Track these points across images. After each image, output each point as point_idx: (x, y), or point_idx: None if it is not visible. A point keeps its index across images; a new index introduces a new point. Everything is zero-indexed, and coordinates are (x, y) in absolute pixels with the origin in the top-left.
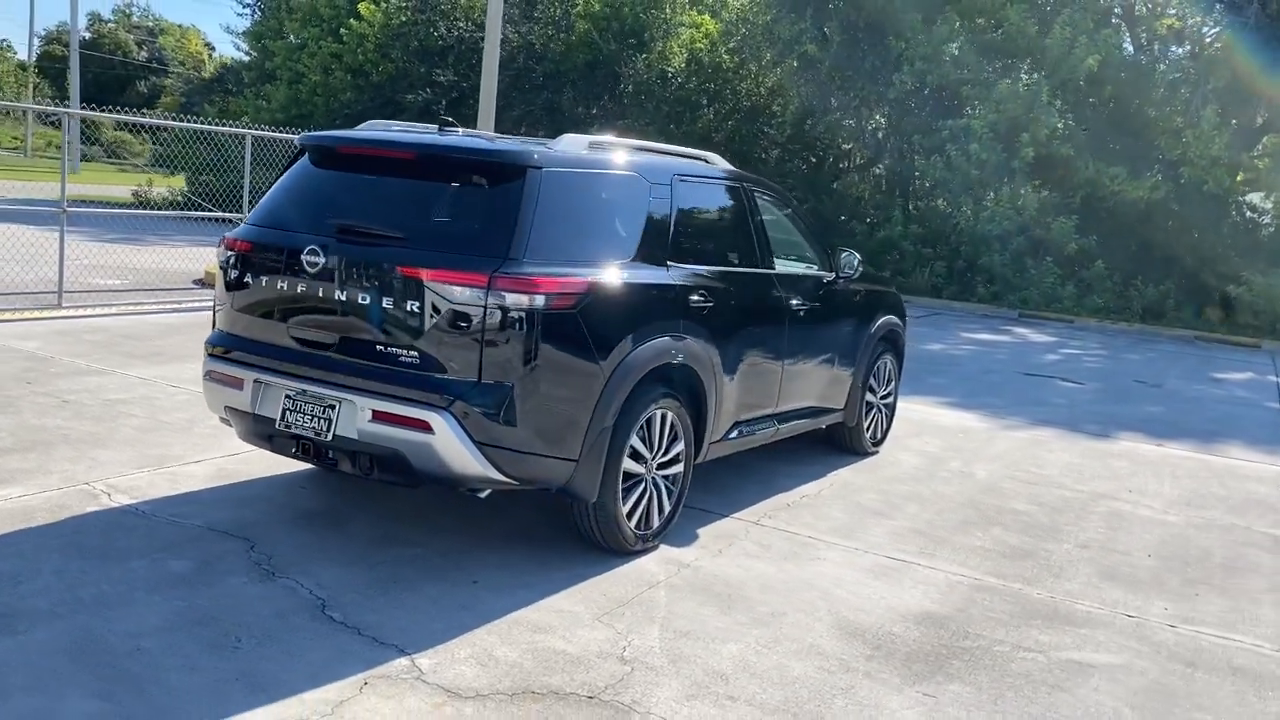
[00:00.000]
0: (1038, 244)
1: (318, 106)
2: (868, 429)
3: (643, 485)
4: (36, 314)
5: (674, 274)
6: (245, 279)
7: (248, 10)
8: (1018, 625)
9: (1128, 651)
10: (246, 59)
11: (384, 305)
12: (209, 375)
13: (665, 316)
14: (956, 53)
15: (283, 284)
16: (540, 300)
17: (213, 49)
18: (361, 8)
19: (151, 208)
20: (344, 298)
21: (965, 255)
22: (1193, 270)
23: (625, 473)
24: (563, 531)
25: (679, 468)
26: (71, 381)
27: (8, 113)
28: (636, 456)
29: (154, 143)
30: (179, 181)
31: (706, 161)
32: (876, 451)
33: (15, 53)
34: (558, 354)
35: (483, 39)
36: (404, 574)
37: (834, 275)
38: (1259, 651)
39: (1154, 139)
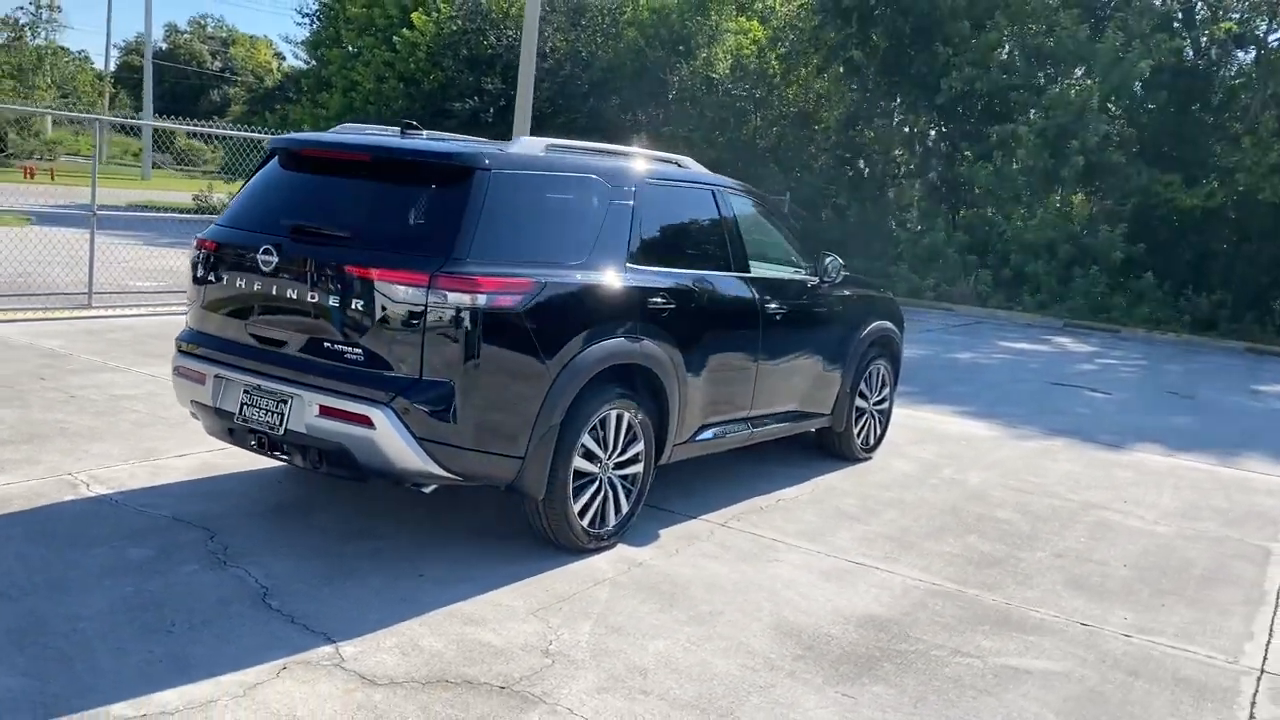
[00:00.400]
0: (1086, 252)
1: (370, 114)
2: (859, 435)
3: (596, 484)
4: (67, 313)
5: (632, 276)
6: (210, 277)
7: (307, 20)
8: (963, 630)
9: (1071, 659)
10: (306, 68)
11: (332, 303)
12: (176, 370)
13: (620, 318)
14: (1005, 58)
15: (241, 282)
16: (482, 300)
17: (282, 59)
18: (414, 18)
19: (211, 213)
20: (295, 296)
21: (1012, 264)
22: (1249, 280)
23: (577, 471)
24: (523, 529)
25: (638, 468)
26: (83, 378)
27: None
28: (590, 456)
29: (223, 150)
30: (238, 187)
31: (680, 165)
32: (869, 457)
33: (93, 63)
34: (500, 353)
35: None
36: (356, 566)
37: (818, 280)
38: (1210, 662)
39: (1210, 146)
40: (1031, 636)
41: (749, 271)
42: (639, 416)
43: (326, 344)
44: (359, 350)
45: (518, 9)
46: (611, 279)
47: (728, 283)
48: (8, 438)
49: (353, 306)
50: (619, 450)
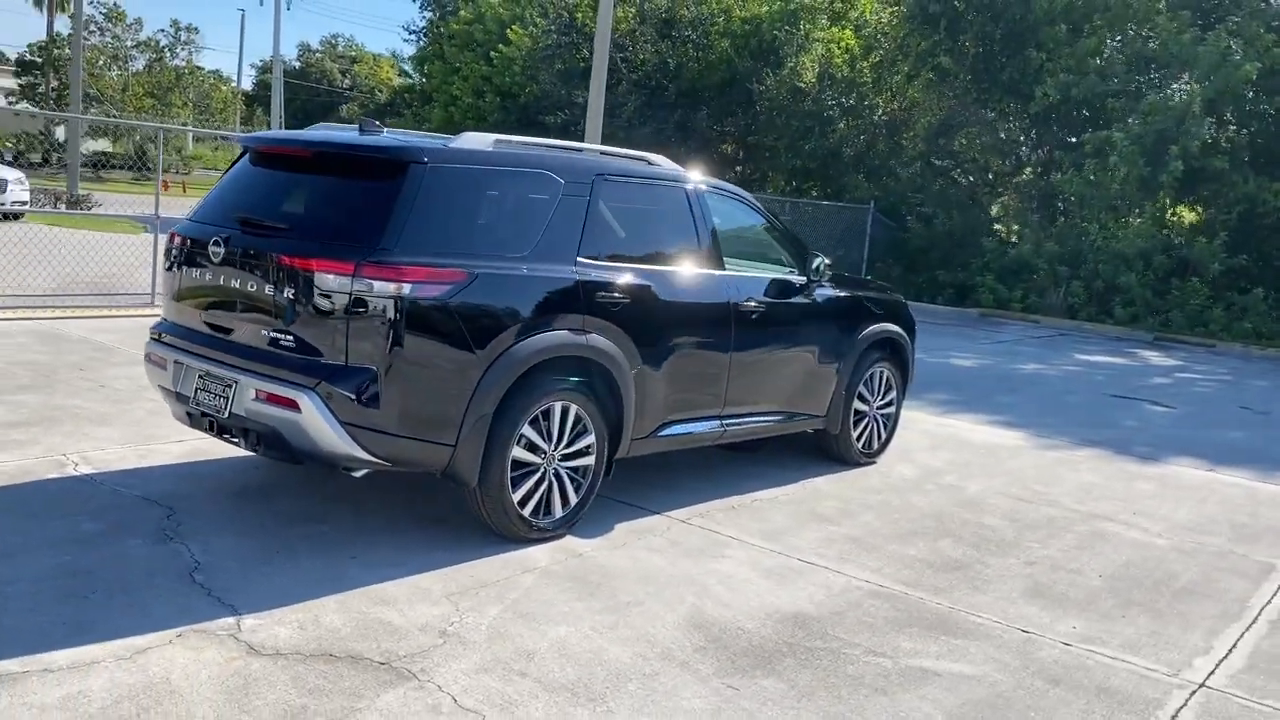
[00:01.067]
0: (1184, 263)
1: (468, 127)
2: (859, 438)
3: (539, 475)
4: (132, 311)
5: (582, 270)
6: (175, 268)
7: (414, 37)
8: (887, 631)
9: (992, 664)
10: (412, 83)
11: (269, 292)
12: (146, 357)
13: (565, 311)
14: (1102, 63)
15: (197, 273)
16: (407, 289)
17: (409, 76)
18: (510, 33)
19: None
20: (239, 285)
21: (1104, 275)
22: None
23: (517, 461)
24: (475, 518)
25: (588, 460)
26: (120, 370)
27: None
28: (533, 447)
29: None
30: None
31: (648, 163)
32: (872, 462)
33: (233, 82)
34: (426, 342)
35: (622, 60)
36: (295, 547)
37: (804, 280)
38: (1146, 674)
39: None
40: (960, 640)
41: (722, 269)
42: (589, 409)
43: (265, 331)
44: (292, 337)
45: (616, 19)
46: (556, 272)
47: (694, 279)
48: (22, 420)
49: (287, 295)
50: (566, 442)
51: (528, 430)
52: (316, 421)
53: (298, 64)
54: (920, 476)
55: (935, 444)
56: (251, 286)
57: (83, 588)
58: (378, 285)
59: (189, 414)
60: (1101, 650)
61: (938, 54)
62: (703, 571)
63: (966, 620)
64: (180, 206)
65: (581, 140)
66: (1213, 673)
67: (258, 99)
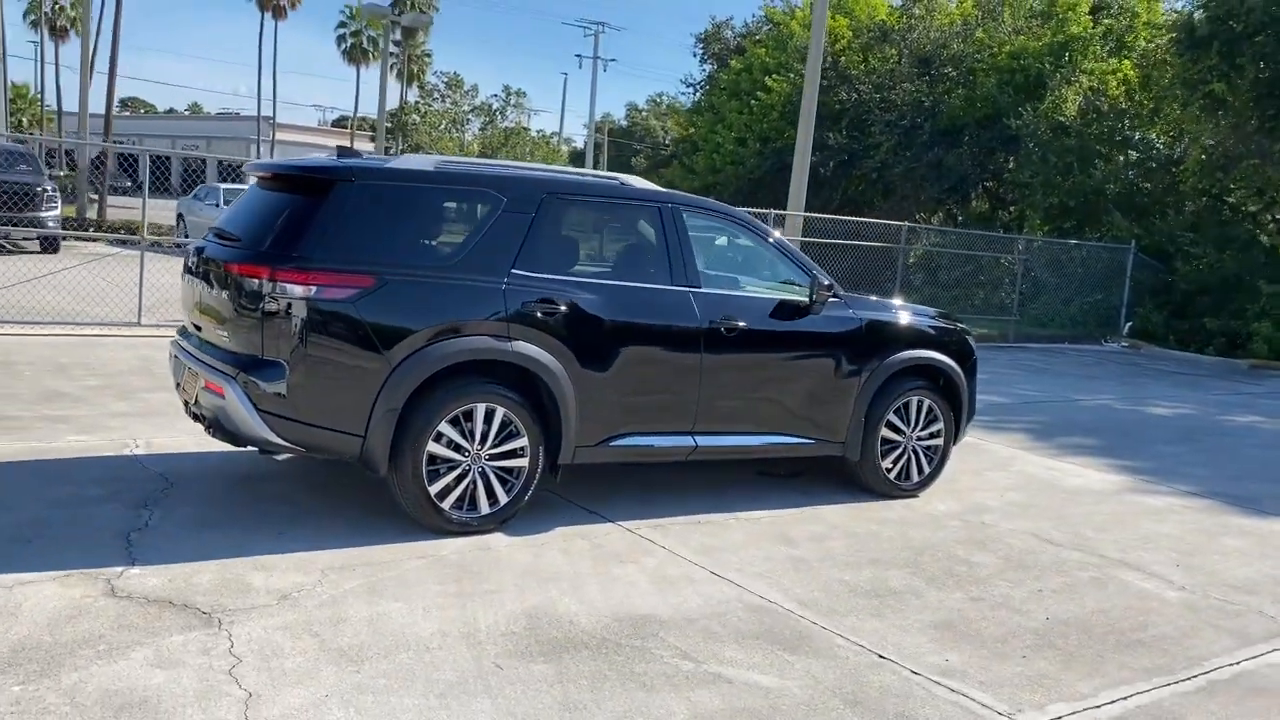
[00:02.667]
0: None
1: (729, 173)
2: (891, 469)
3: (461, 471)
4: None
5: (514, 281)
6: (182, 275)
7: (690, 90)
8: (726, 641)
9: (805, 680)
10: (688, 133)
11: (217, 293)
12: (170, 355)
13: (487, 318)
14: None
15: (188, 278)
16: (313, 291)
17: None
18: (769, 81)
19: None
20: (204, 288)
21: None
22: None
23: (434, 456)
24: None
25: (520, 461)
26: None
27: None
28: (454, 444)
29: None
30: None
31: (622, 184)
32: (912, 495)
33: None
34: (331, 340)
35: (880, 100)
36: (238, 520)
37: (807, 301)
38: (976, 710)
39: None
40: (796, 656)
41: (696, 286)
42: (519, 413)
43: (216, 328)
44: (229, 333)
45: (875, 60)
46: (482, 282)
47: (653, 295)
48: (127, 411)
49: (226, 296)
50: (493, 443)
51: (446, 428)
52: (238, 408)
53: (624, 122)
54: (953, 513)
55: (1014, 484)
56: (211, 289)
57: (31, 534)
58: (288, 288)
59: (184, 403)
60: (949, 683)
61: (1210, 80)
62: (594, 573)
63: (826, 640)
64: None
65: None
66: (1061, 718)
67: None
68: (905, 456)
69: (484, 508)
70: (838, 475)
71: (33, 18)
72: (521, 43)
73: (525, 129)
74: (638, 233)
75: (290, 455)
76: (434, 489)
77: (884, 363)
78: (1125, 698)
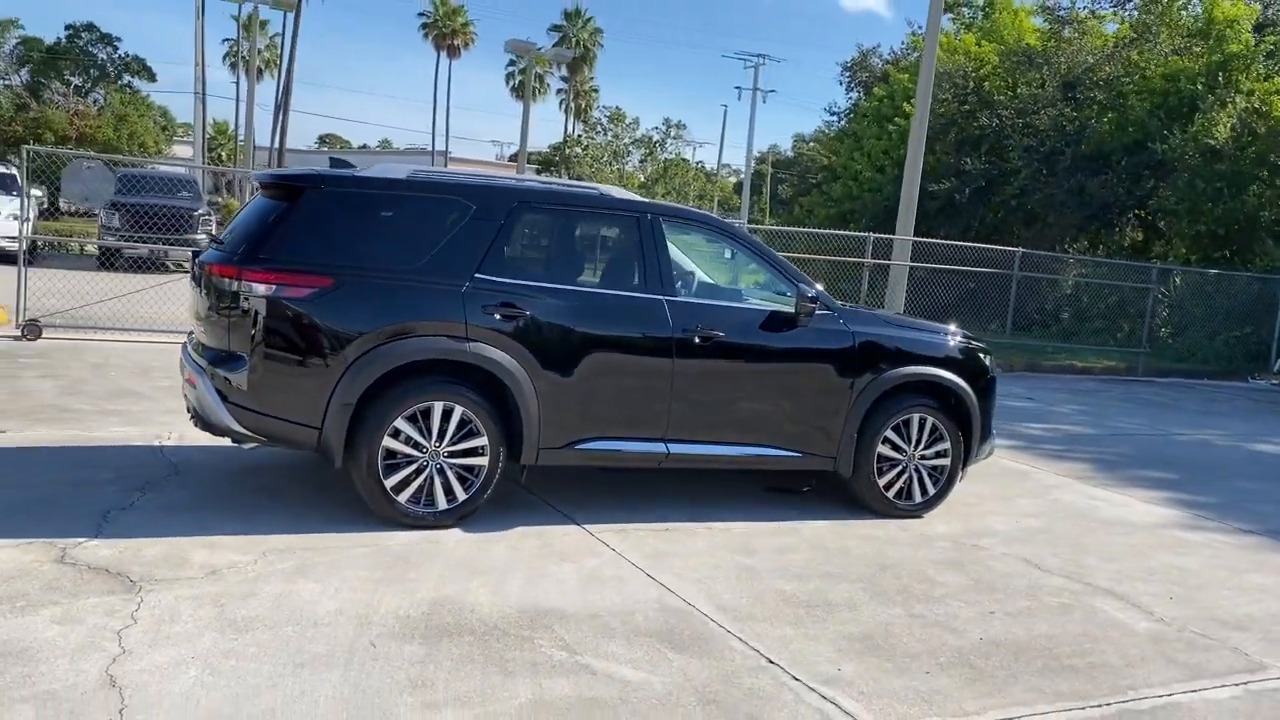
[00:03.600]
0: None
1: (865, 200)
2: (889, 488)
3: (416, 467)
4: None
5: (475, 284)
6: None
7: (834, 117)
8: (612, 637)
9: (673, 677)
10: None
11: (202, 295)
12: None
13: (445, 320)
14: None
15: (191, 283)
16: (273, 290)
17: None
18: (905, 106)
19: None
20: (195, 291)
21: None
22: None
23: (390, 450)
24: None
25: (480, 460)
26: None
27: None
28: (411, 440)
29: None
30: None
31: (601, 194)
32: (914, 515)
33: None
34: (289, 336)
35: (1023, 124)
36: (216, 505)
37: (793, 312)
38: (836, 718)
39: None
40: (679, 655)
41: (671, 295)
42: (478, 412)
43: (201, 327)
44: (207, 330)
45: (1021, 84)
46: (443, 285)
47: (622, 301)
48: (177, 409)
49: (206, 296)
50: (451, 440)
51: (403, 424)
52: (206, 397)
53: (790, 153)
54: (951, 534)
55: (1040, 511)
56: (199, 291)
57: (24, 508)
58: (253, 286)
59: (185, 396)
60: (824, 690)
61: None
62: (528, 569)
63: (722, 643)
64: None
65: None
66: None
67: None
68: (906, 475)
69: (442, 503)
70: (845, 493)
71: (231, 60)
72: (683, 76)
73: (684, 161)
74: (613, 241)
75: (280, 450)
76: (390, 482)
77: (878, 378)
78: (1012, 719)
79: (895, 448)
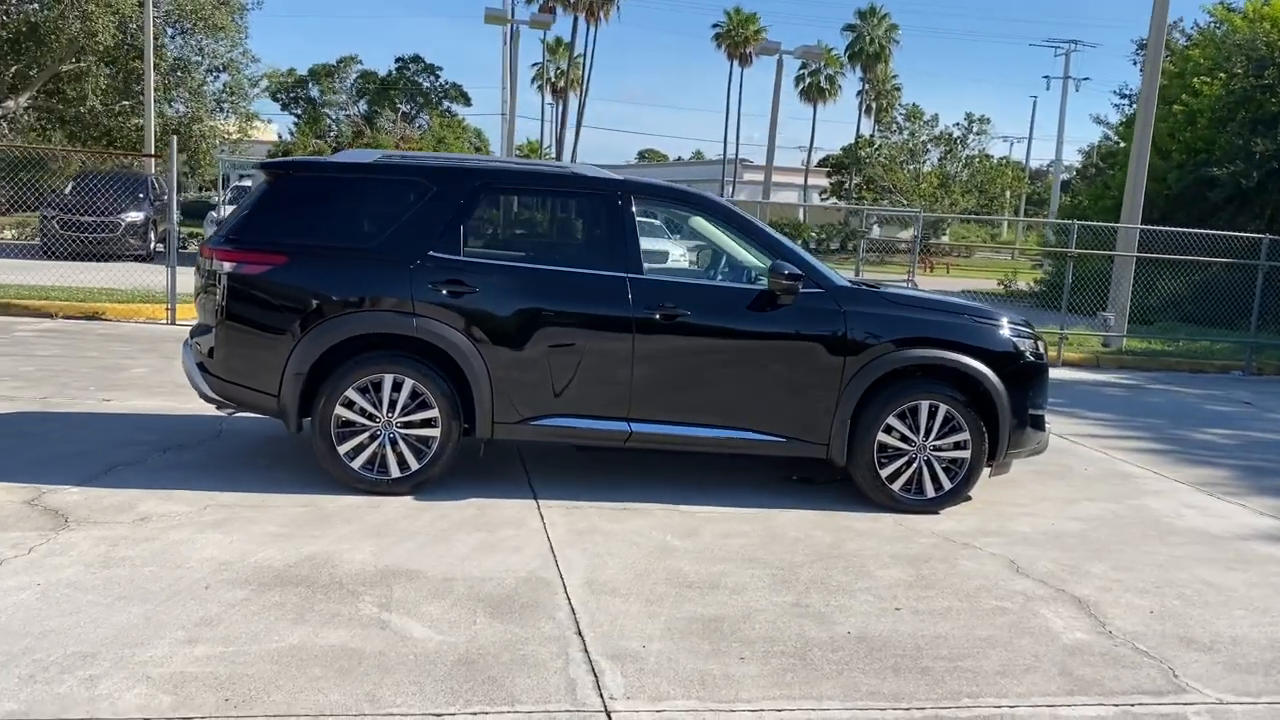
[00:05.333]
0: None
1: (1147, 190)
2: (894, 480)
3: (369, 435)
4: None
5: (426, 262)
6: None
7: (1125, 100)
8: (443, 598)
9: (457, 636)
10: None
11: (196, 272)
12: None
13: (392, 295)
14: None
15: None
16: (230, 267)
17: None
18: (1195, 82)
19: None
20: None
21: None
22: None
23: (342, 419)
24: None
25: (433, 431)
26: None
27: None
28: (364, 410)
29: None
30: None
31: (575, 173)
32: (925, 511)
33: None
34: (246, 309)
35: None
36: (212, 465)
37: (769, 291)
38: (588, 688)
39: None
40: (492, 620)
41: (636, 272)
42: (429, 386)
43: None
44: (197, 305)
45: None
46: (394, 263)
47: (581, 279)
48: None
49: (197, 274)
50: (403, 412)
51: (354, 394)
52: (187, 365)
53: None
54: (952, 531)
55: (1094, 515)
56: (196, 270)
57: (51, 459)
58: (221, 264)
59: None
60: (605, 663)
61: None
62: (437, 536)
63: (547, 613)
64: (936, 285)
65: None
66: (663, 710)
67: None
68: (915, 467)
69: (394, 471)
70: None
71: (538, 83)
72: (986, 69)
73: (988, 157)
74: (579, 219)
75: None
76: (344, 449)
77: (875, 360)
78: (782, 710)
79: (903, 438)
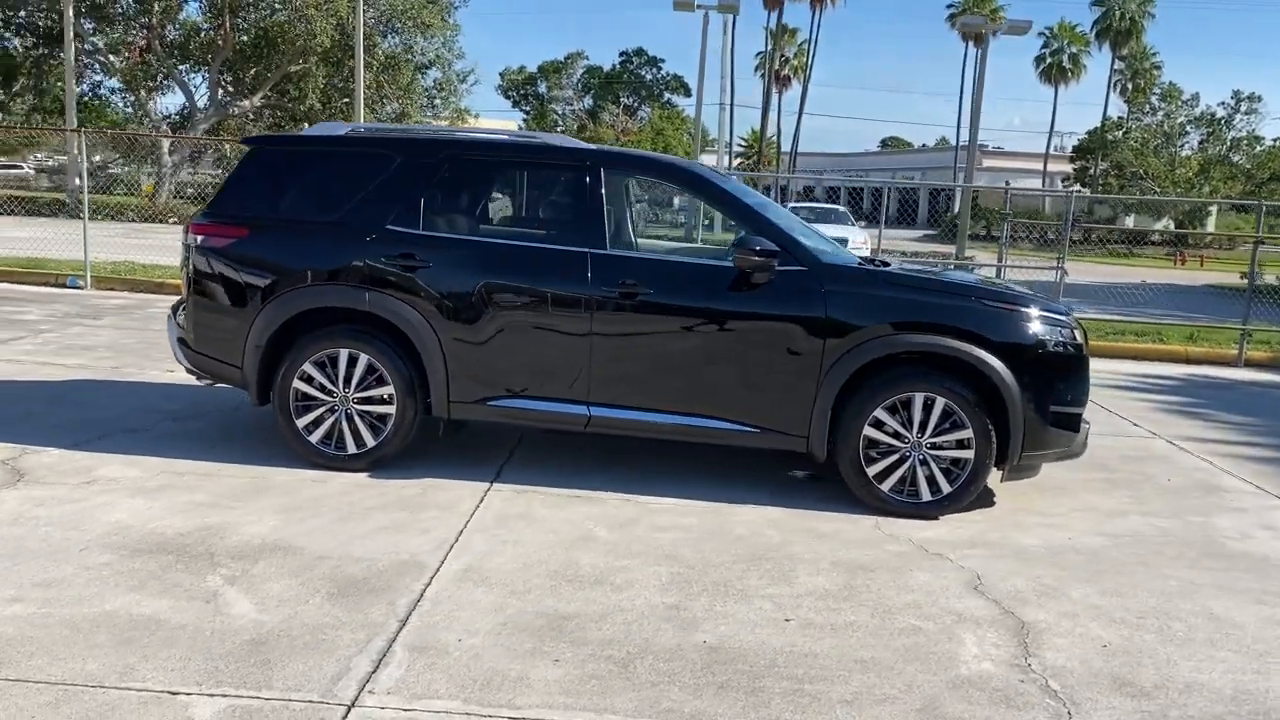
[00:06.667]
0: None
1: None
2: (883, 479)
3: (326, 410)
4: None
5: (381, 236)
6: None
7: None
8: (291, 576)
9: (271, 614)
10: None
11: None
12: None
13: (346, 269)
14: None
15: None
16: (199, 240)
17: None
18: None
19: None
20: None
21: None
22: None
23: (301, 393)
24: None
25: (389, 409)
26: None
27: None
28: (322, 385)
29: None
30: None
31: (542, 143)
32: (922, 515)
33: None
34: (211, 283)
35: None
36: (203, 436)
37: (735, 269)
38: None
39: None
40: (323, 599)
41: (600, 248)
42: (384, 362)
43: None
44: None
45: None
46: (351, 236)
47: (539, 255)
48: None
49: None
50: (360, 388)
51: (311, 369)
52: (170, 337)
53: None
54: (932, 540)
55: (1137, 530)
56: None
57: (63, 423)
58: (194, 238)
59: None
60: (395, 654)
61: None
62: (354, 512)
63: (387, 596)
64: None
65: None
66: (362, 692)
67: None
68: (909, 467)
69: (351, 447)
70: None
71: (761, 71)
72: (1258, 42)
73: (1258, 139)
74: (548, 191)
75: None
76: (301, 423)
77: (860, 345)
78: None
79: (895, 434)
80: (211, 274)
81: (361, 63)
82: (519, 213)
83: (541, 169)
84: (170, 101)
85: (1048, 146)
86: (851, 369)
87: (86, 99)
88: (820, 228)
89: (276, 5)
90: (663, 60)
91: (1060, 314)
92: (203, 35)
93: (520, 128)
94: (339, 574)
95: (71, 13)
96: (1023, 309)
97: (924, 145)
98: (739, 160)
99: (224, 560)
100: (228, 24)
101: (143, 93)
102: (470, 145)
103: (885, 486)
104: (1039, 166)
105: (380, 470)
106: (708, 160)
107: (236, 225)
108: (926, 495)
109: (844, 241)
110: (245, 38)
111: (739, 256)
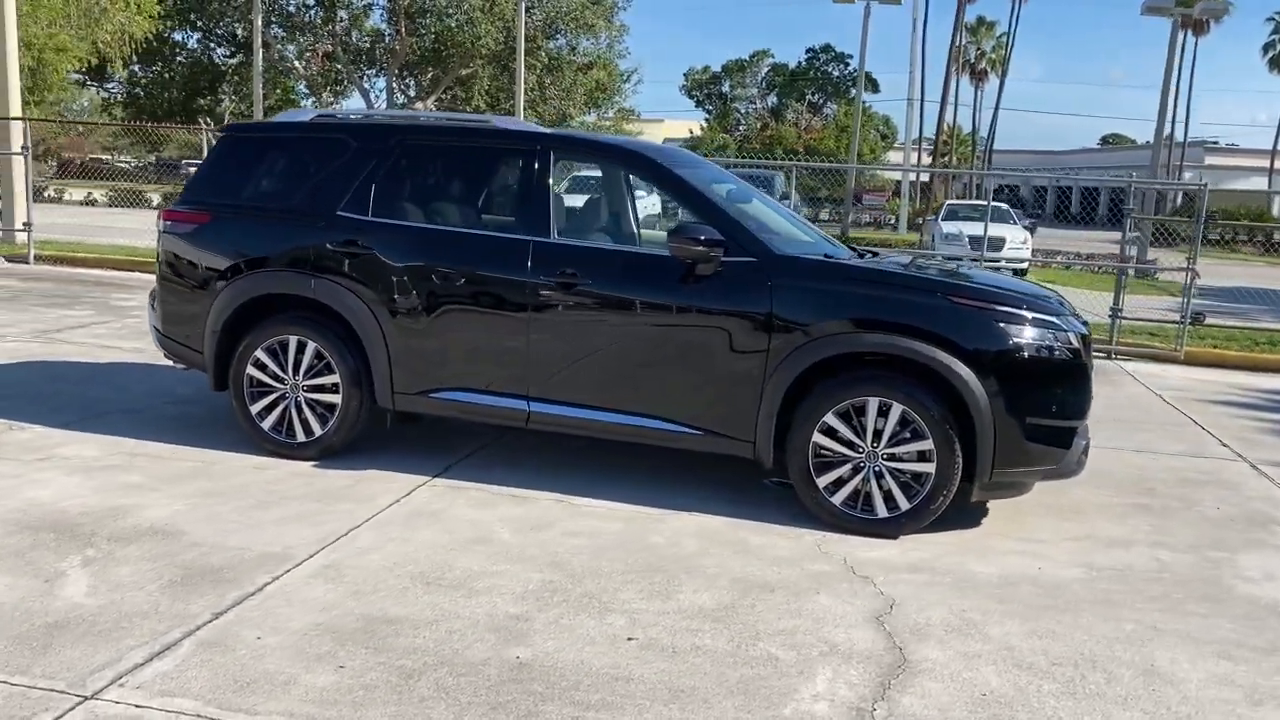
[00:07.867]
0: None
1: None
2: (835, 492)
3: (278, 397)
4: None
5: (330, 222)
6: None
7: None
8: (150, 561)
9: (97, 598)
10: None
11: None
12: None
13: (294, 255)
14: None
15: None
16: (166, 225)
17: None
18: None
19: None
20: None
21: None
22: None
23: (254, 379)
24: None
25: (335, 397)
26: None
27: None
28: (274, 372)
29: None
30: None
31: (492, 127)
32: (880, 534)
33: None
34: (173, 269)
35: None
36: (195, 418)
37: (679, 261)
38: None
39: None
40: (170, 587)
41: (543, 235)
42: (330, 350)
43: None
44: None
45: None
46: (303, 223)
47: (477, 242)
48: None
49: None
50: (309, 375)
51: (263, 355)
52: (149, 321)
53: None
54: (873, 561)
55: (1131, 564)
56: None
57: (65, 399)
58: (163, 223)
59: None
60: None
61: None
62: (273, 499)
63: (220, 585)
64: None
65: None
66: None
67: None
68: (863, 479)
69: (300, 435)
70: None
71: (956, 66)
72: None
73: None
74: (495, 177)
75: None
76: (254, 409)
77: (806, 345)
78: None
79: (848, 442)
80: (176, 259)
81: (522, 64)
82: (468, 198)
83: (491, 153)
84: (350, 106)
85: (1275, 143)
86: (799, 369)
87: (274, 103)
88: (968, 226)
89: (448, 11)
90: (849, 56)
91: (1054, 315)
92: (386, 41)
93: (702, 128)
94: (198, 563)
95: (260, 21)
96: (999, 308)
97: (1147, 143)
98: (927, 158)
99: (99, 542)
100: (403, 29)
101: (325, 95)
102: (420, 130)
103: (837, 500)
104: (1264, 164)
105: (329, 460)
106: (894, 157)
107: (200, 211)
108: (882, 511)
109: (1001, 241)
110: (424, 43)
111: (674, 245)
